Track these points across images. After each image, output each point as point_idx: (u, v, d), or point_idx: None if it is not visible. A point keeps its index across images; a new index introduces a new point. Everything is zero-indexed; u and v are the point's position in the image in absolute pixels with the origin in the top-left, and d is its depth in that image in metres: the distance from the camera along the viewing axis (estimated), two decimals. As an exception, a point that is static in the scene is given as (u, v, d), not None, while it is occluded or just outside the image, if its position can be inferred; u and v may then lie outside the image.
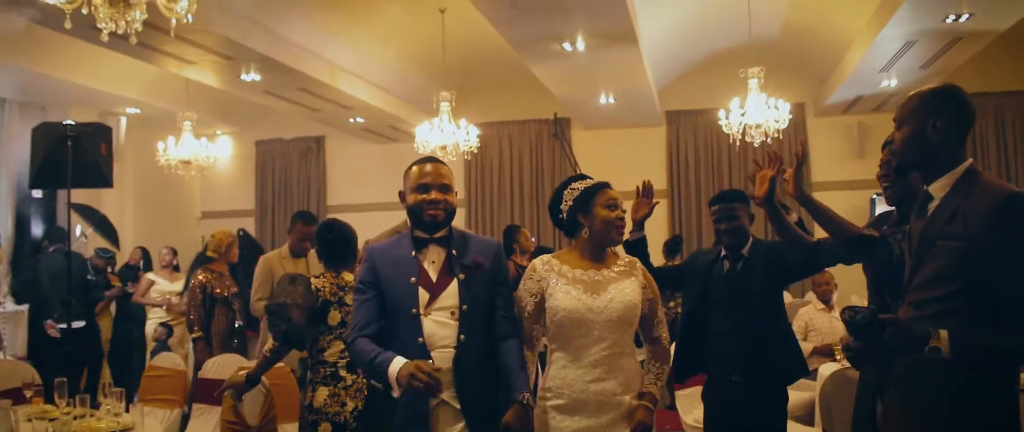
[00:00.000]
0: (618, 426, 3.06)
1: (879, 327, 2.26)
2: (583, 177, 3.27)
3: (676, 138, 12.64)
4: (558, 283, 3.11)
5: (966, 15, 7.47)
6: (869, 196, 11.89)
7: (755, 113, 8.95)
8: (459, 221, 11.26)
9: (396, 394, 2.77)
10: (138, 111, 11.43)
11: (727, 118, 9.15)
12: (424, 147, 9.64)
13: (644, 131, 12.55)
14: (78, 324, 7.12)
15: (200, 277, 6.07)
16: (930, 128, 2.42)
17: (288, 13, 8.36)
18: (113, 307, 9.12)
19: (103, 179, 6.32)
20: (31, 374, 4.53)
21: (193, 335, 5.93)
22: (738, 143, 9.57)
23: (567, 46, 8.03)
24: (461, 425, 2.90)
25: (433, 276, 2.97)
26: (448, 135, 9.80)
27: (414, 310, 2.91)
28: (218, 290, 6.08)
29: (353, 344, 2.96)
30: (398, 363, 2.77)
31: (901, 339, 2.26)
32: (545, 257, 3.23)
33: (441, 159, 3.20)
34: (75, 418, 3.64)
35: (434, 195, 3.00)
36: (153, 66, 8.81)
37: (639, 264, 3.27)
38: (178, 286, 8.68)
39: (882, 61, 9.26)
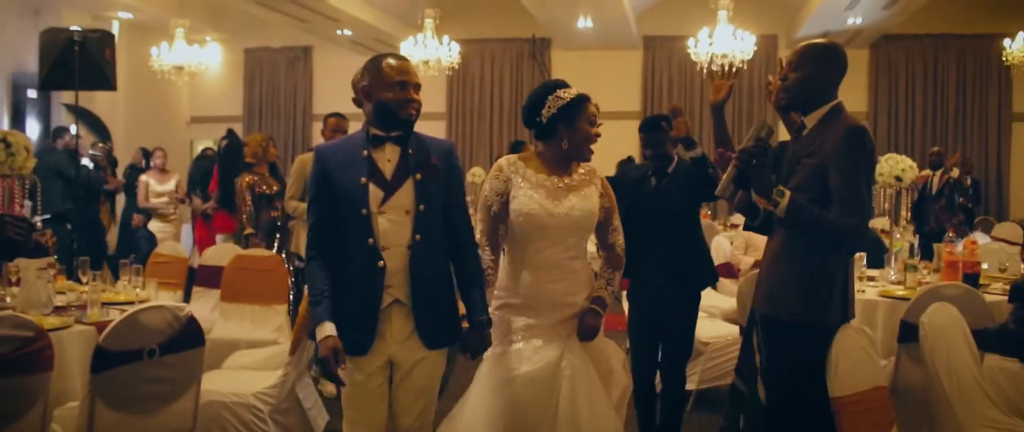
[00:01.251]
0: (567, 324, 3.16)
1: (759, 152, 2.87)
2: (565, 84, 3.26)
3: (652, 63, 13.13)
4: (522, 186, 3.16)
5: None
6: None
7: (722, 44, 9.45)
8: (439, 133, 11.78)
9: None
10: (131, 16, 11.75)
11: (696, 47, 9.65)
12: (408, 62, 10.06)
13: (621, 54, 13.02)
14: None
15: (247, 179, 6.54)
16: (818, 76, 2.98)
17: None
18: (118, 213, 9.60)
19: (107, 82, 6.78)
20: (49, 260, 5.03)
21: (246, 232, 6.43)
22: (705, 71, 10.09)
23: (547, -28, 8.47)
24: (413, 323, 2.86)
25: (388, 174, 2.85)
26: (431, 50, 10.25)
27: (364, 210, 2.82)
28: (263, 188, 6.57)
29: (308, 265, 2.88)
30: (326, 329, 2.75)
31: (762, 173, 2.89)
32: (511, 157, 3.27)
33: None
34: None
35: (412, 93, 2.86)
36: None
37: (597, 172, 3.35)
38: (170, 186, 9.19)
39: (845, 2, 9.73)
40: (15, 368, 2.83)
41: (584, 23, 11.10)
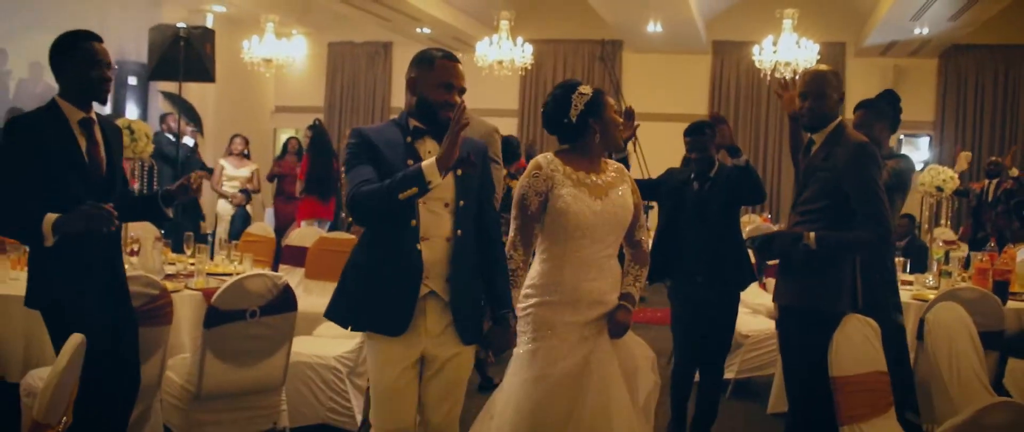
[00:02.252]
0: (599, 321, 3.18)
1: (768, 242, 3.45)
2: (578, 82, 3.28)
3: (720, 67, 13.41)
4: (565, 184, 3.14)
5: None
6: (897, 136, 12.63)
7: (786, 52, 9.75)
8: (512, 130, 12.28)
9: (437, 179, 2.67)
10: (224, 9, 12.49)
11: (760, 54, 9.96)
12: (483, 61, 10.58)
13: (690, 58, 13.31)
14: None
15: None
16: (828, 101, 3.43)
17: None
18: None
19: (207, 75, 7.45)
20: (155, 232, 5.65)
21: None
22: (769, 78, 10.38)
23: (617, -22, 8.89)
24: (449, 319, 2.86)
25: None
26: (506, 51, 10.74)
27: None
28: None
29: (356, 195, 2.75)
30: (431, 159, 2.68)
31: (783, 243, 3.42)
32: (547, 155, 3.24)
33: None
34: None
35: (455, 97, 2.83)
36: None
37: (625, 170, 3.38)
38: (246, 172, 9.87)
39: (912, 11, 9.94)
40: (144, 319, 3.40)
41: (653, 27, 11.46)
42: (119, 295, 3.22)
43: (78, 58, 3.09)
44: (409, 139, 2.86)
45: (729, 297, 4.54)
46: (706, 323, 4.49)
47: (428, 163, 2.66)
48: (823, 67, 3.64)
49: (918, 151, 12.74)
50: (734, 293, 4.56)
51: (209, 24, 12.66)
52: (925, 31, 10.95)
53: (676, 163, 5.45)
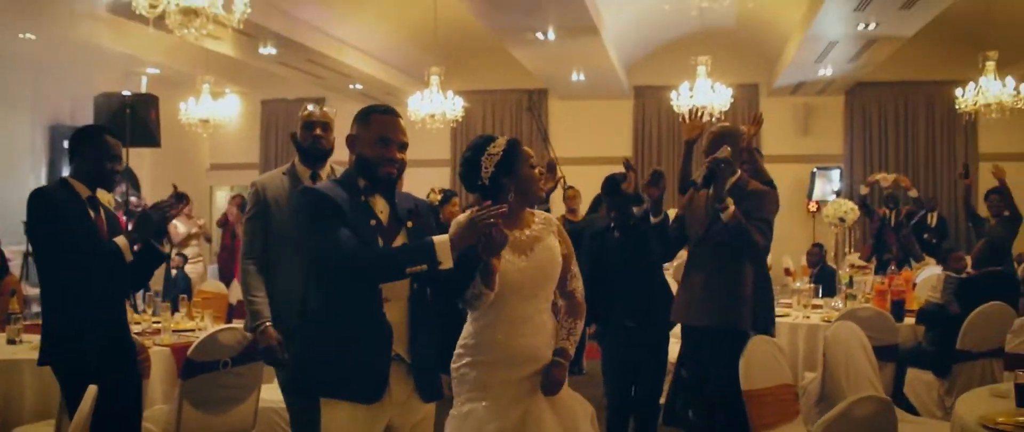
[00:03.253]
0: (534, 378, 3.10)
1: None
2: (489, 138, 3.18)
3: (642, 111, 14.09)
4: None
5: (874, 24, 8.90)
6: (810, 170, 13.42)
7: (702, 96, 10.40)
8: (444, 181, 12.71)
9: (449, 262, 2.62)
10: (158, 71, 12.72)
11: (678, 99, 10.60)
12: (416, 115, 10.99)
13: (613, 103, 13.95)
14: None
15: None
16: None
17: (302, -4, 9.71)
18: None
19: (153, 139, 7.78)
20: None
21: None
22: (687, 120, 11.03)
23: (540, 35, 9.44)
24: (412, 384, 2.81)
25: (384, 223, 2.81)
26: (437, 104, 11.16)
27: None
28: None
29: (348, 259, 2.69)
30: (443, 235, 2.65)
31: (720, 178, 3.97)
32: (467, 215, 3.03)
33: (398, 112, 2.92)
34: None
35: (394, 153, 2.78)
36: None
37: (555, 220, 3.32)
38: (194, 228, 10.25)
39: (814, 55, 10.70)
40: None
41: (577, 76, 12.05)
42: (127, 352, 3.56)
43: (98, 149, 3.50)
44: (363, 198, 2.79)
45: (658, 341, 4.69)
46: (638, 369, 4.64)
47: (441, 241, 2.62)
48: (726, 124, 4.22)
49: (830, 183, 13.50)
50: (663, 336, 4.73)
51: (144, 86, 12.90)
52: (829, 72, 11.74)
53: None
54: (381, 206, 2.83)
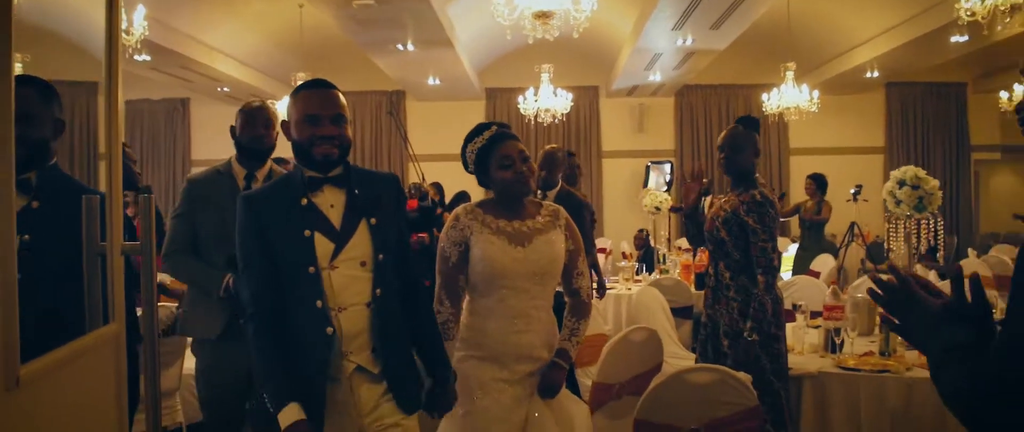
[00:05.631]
0: (532, 378, 2.99)
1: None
2: (481, 128, 3.08)
3: (493, 111, 15.25)
4: (482, 232, 2.98)
5: (690, 40, 10.32)
6: (645, 163, 14.90)
7: (546, 100, 11.64)
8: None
9: None
10: (20, 67, 12.96)
11: (524, 103, 11.82)
12: (282, 116, 11.76)
13: (466, 104, 15.06)
14: None
15: None
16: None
17: (174, 5, 10.34)
18: None
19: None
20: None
21: None
22: (533, 121, 12.27)
23: (400, 47, 10.43)
24: (382, 388, 2.52)
25: (336, 222, 2.47)
26: (302, 107, 11.99)
27: (312, 268, 2.43)
28: None
29: (248, 325, 2.46)
30: (291, 414, 2.33)
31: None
32: (468, 205, 3.08)
33: (332, 83, 2.58)
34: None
35: (327, 128, 2.45)
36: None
37: (563, 213, 3.15)
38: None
39: (644, 64, 12.10)
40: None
41: (433, 81, 13.10)
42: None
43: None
44: (305, 199, 2.48)
45: None
46: None
47: (283, 418, 2.33)
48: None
49: (663, 175, 15.02)
50: None
51: None
52: (658, 78, 13.18)
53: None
54: (333, 199, 2.51)
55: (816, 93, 11.58)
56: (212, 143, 15.12)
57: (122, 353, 1.75)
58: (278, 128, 3.48)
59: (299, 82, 11.77)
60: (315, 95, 2.51)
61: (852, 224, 9.82)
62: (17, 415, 1.28)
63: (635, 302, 5.31)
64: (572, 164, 5.47)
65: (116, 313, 1.71)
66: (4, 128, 1.23)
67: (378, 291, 2.49)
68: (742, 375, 3.07)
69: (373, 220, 2.53)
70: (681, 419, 2.93)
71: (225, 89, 13.42)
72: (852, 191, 9.47)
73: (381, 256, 2.51)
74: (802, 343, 4.28)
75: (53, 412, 1.47)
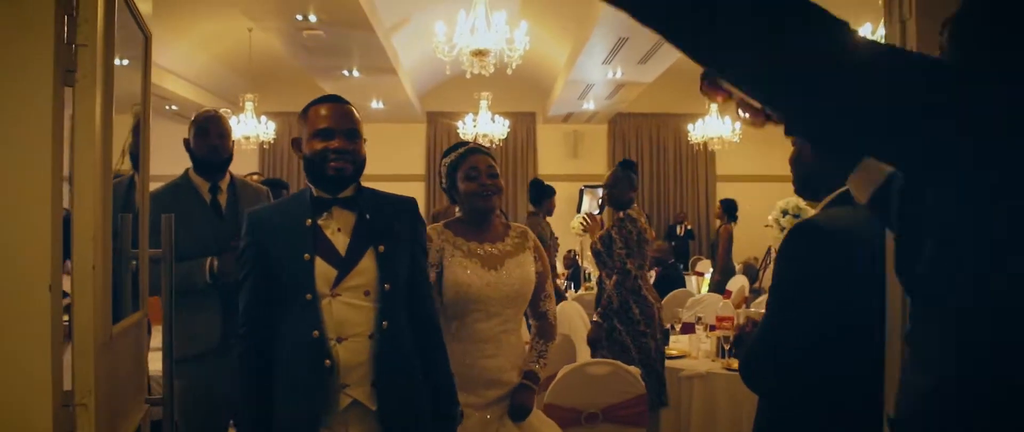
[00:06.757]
0: (502, 403, 2.92)
1: None
2: (462, 144, 3.05)
3: (434, 134, 15.86)
4: (454, 255, 2.92)
5: (619, 73, 11.05)
6: (579, 187, 15.60)
7: (484, 125, 12.29)
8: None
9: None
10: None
11: (464, 127, 12.45)
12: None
13: (409, 126, 15.65)
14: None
15: None
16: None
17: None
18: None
19: None
20: None
21: None
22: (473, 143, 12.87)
23: (346, 73, 11.01)
24: (379, 429, 2.33)
25: (341, 248, 2.35)
26: (250, 128, 12.45)
27: (309, 295, 2.30)
28: None
29: (238, 345, 2.40)
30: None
31: None
32: (438, 225, 2.99)
33: (345, 99, 2.50)
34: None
35: (339, 143, 2.34)
36: None
37: (531, 235, 3.12)
38: None
39: (578, 93, 12.81)
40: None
41: (377, 104, 13.67)
42: None
43: None
44: (309, 221, 2.36)
45: None
46: None
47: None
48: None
49: (597, 199, 15.69)
50: None
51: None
52: (592, 106, 13.91)
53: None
54: (341, 222, 2.39)
55: (738, 125, 12.37)
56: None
57: (144, 333, 2.33)
58: (234, 138, 3.49)
59: (247, 102, 12.39)
60: (328, 109, 2.42)
61: (769, 248, 10.59)
62: (112, 362, 1.86)
63: (558, 314, 5.93)
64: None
65: (141, 304, 2.28)
66: (144, 155, 1.79)
67: (384, 324, 2.34)
68: (633, 369, 3.73)
69: (381, 248, 2.37)
70: (583, 404, 3.57)
71: (173, 107, 13.81)
72: (771, 217, 10.21)
73: (388, 286, 2.36)
74: (698, 350, 4.95)
75: (123, 364, 2.04)
